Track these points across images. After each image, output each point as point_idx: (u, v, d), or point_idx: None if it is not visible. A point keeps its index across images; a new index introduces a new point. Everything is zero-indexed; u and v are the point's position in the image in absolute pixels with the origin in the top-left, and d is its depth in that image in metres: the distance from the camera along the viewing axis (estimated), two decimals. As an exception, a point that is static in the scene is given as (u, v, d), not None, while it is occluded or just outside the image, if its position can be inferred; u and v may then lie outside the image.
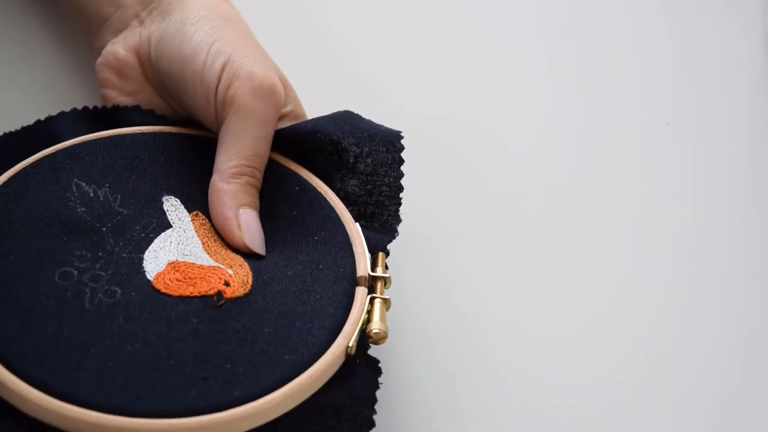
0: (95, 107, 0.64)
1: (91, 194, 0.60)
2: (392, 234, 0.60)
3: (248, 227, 0.59)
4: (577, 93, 0.73)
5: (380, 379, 0.56)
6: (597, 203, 0.69)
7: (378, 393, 0.56)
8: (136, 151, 0.62)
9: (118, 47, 0.64)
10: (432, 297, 0.65)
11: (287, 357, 0.55)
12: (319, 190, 0.61)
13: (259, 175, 0.60)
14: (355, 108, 0.63)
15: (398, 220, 0.61)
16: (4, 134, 0.63)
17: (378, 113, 0.65)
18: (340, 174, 0.61)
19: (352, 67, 0.73)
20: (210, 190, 0.60)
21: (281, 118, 0.62)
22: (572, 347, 0.64)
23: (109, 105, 0.64)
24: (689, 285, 0.67)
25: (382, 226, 0.61)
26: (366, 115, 0.63)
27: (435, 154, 0.70)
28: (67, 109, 0.64)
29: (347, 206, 0.61)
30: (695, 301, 0.66)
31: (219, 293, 0.57)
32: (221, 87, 0.60)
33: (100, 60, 0.65)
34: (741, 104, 0.72)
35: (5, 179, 0.60)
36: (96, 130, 0.63)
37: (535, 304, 0.65)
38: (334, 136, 0.61)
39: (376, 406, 0.55)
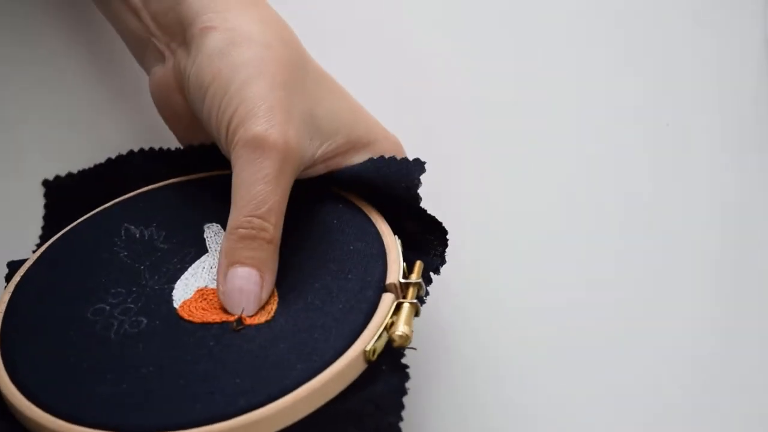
0: (161, 149, 0.65)
1: (137, 235, 0.61)
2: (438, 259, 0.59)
3: (230, 290, 0.56)
4: (576, 93, 0.73)
5: (410, 385, 0.54)
6: (595, 202, 0.69)
7: (412, 400, 0.54)
8: (194, 191, 0.62)
9: (160, 80, 0.63)
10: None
11: (298, 366, 0.54)
12: (362, 207, 0.60)
13: (260, 222, 0.56)
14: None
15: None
16: (78, 173, 0.66)
17: (385, 111, 0.66)
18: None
19: (357, 66, 0.73)
20: None
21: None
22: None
23: (169, 127, 0.64)
24: (689, 284, 0.67)
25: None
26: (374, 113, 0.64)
27: (442, 151, 0.70)
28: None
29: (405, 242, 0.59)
30: (695, 301, 0.67)
31: (239, 319, 0.56)
32: (229, 152, 0.58)
33: (150, 87, 0.64)
34: (741, 105, 0.72)
35: (62, 233, 0.62)
36: (166, 169, 0.64)
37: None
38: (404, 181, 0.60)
39: (405, 413, 0.53)
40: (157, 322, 0.56)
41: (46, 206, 0.68)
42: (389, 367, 0.55)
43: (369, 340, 0.54)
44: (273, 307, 0.57)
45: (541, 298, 0.66)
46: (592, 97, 0.73)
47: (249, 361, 0.54)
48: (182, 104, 0.62)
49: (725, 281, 0.67)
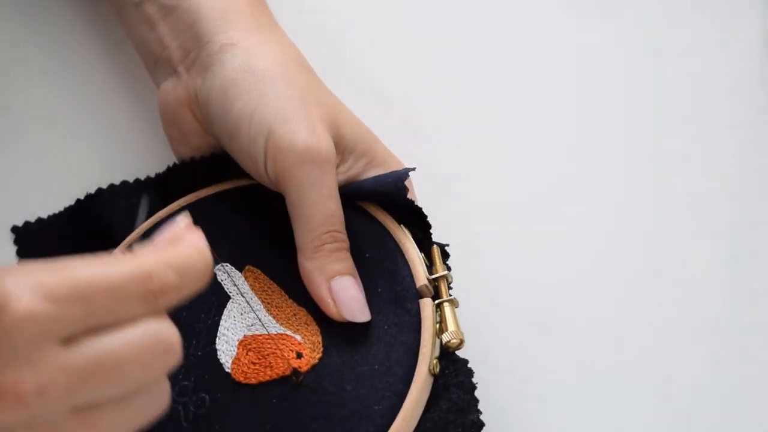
0: (137, 180, 0.64)
1: None
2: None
3: (342, 299, 0.57)
4: (576, 91, 0.73)
5: (476, 378, 0.55)
6: (596, 200, 0.70)
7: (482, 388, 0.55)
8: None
9: (171, 96, 0.63)
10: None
11: (375, 407, 0.53)
12: (366, 209, 0.60)
13: (340, 235, 0.58)
14: (359, 104, 0.63)
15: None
16: (48, 217, 0.64)
17: (381, 110, 0.67)
18: None
19: (352, 67, 0.73)
20: (301, 273, 0.58)
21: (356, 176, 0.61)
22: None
23: (172, 145, 0.64)
24: (688, 282, 0.67)
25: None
26: (368, 111, 0.64)
27: (442, 151, 0.70)
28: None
29: None
30: (694, 297, 0.67)
31: (294, 371, 0.55)
32: (269, 163, 0.59)
33: (159, 101, 0.64)
34: (740, 104, 0.72)
35: None
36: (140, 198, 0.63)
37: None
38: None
39: (481, 405, 0.54)
40: (219, 394, 0.55)
41: (18, 253, 0.65)
42: (452, 369, 0.55)
43: (428, 357, 0.54)
44: (319, 340, 0.56)
45: (544, 297, 0.66)
46: (591, 95, 0.73)
47: (323, 416, 0.53)
48: (191, 122, 0.63)
49: (725, 277, 0.67)
